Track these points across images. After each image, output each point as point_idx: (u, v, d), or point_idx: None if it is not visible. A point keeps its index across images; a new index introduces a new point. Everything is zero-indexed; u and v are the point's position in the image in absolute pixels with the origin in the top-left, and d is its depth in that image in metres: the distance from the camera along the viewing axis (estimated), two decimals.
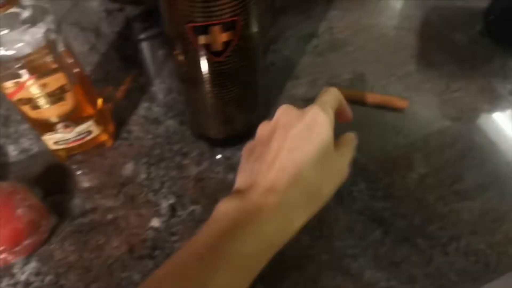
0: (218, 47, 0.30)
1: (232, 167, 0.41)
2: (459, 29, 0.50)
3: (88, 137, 0.40)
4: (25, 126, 0.44)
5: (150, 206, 0.39)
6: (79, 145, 0.40)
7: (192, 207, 0.39)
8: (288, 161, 0.28)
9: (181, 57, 0.33)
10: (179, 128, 0.44)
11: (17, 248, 0.34)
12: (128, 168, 0.41)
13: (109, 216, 0.39)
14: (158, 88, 0.47)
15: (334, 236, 0.37)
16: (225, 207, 0.28)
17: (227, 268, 0.25)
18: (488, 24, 0.46)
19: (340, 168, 0.31)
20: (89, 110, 0.39)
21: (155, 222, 0.38)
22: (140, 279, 0.35)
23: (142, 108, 0.45)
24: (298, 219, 0.28)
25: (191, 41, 0.30)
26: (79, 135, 0.39)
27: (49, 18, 0.32)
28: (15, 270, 0.36)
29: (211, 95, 0.35)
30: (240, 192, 0.29)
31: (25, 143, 0.43)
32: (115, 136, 0.43)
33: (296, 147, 0.29)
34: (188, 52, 0.31)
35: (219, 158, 0.41)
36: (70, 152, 0.41)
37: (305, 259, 0.36)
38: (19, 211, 0.34)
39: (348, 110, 0.35)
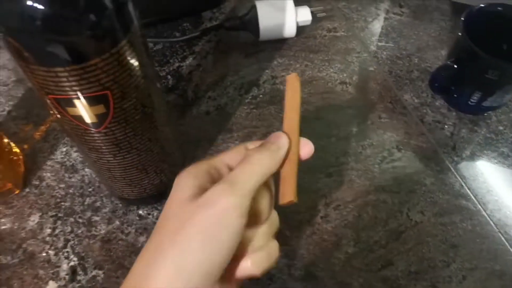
0: (93, 119, 0.27)
1: (144, 227, 0.38)
2: (409, 90, 0.47)
3: None
4: None
5: (49, 267, 0.35)
6: None
7: (94, 272, 0.35)
8: (169, 267, 0.21)
9: (61, 124, 0.29)
10: (95, 179, 0.40)
11: None
12: (33, 221, 0.38)
13: (3, 275, 0.35)
14: None
15: None
16: None
17: None
18: (434, 91, 0.44)
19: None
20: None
21: (52, 286, 0.35)
22: None
23: (60, 153, 0.42)
24: None
25: (61, 112, 0.26)
26: None
27: None
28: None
29: (106, 161, 0.31)
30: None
31: None
32: (25, 182, 0.40)
33: (180, 253, 0.21)
34: (62, 120, 0.28)
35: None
36: None
37: None
38: None
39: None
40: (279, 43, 0.50)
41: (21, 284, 0.35)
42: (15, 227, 0.38)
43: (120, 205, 0.39)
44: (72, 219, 0.38)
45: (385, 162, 0.42)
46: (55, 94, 0.24)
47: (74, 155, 0.42)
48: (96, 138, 0.28)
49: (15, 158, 0.40)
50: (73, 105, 0.25)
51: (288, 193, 0.24)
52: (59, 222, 0.38)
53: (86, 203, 0.39)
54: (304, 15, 0.47)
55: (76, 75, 0.23)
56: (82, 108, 0.25)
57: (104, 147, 0.29)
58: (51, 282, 0.35)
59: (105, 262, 0.36)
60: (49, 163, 0.41)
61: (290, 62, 0.49)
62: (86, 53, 0.22)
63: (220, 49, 0.50)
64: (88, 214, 0.38)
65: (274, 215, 0.26)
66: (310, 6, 0.49)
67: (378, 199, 0.39)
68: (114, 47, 0.23)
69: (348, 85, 0.47)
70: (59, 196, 0.39)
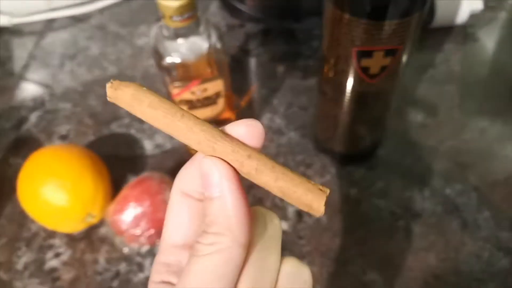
0: (376, 70, 0.32)
1: (354, 182, 0.42)
2: None
3: None
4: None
5: (278, 209, 0.41)
6: None
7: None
8: None
9: (334, 77, 0.35)
10: (301, 140, 0.46)
11: None
12: None
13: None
14: (279, 101, 0.50)
15: (460, 260, 0.37)
16: None
17: None
18: None
19: None
20: (228, 114, 0.42)
21: (283, 225, 0.40)
22: None
23: (265, 118, 0.48)
24: None
25: (352, 63, 0.32)
26: None
27: (215, 30, 0.36)
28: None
29: (353, 113, 0.37)
30: None
31: (159, 139, 0.47)
32: None
33: None
34: (344, 72, 0.34)
35: None
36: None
37: (432, 278, 0.36)
38: (168, 198, 0.37)
39: None
40: (446, 30, 0.55)
41: None
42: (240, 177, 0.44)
43: (328, 162, 0.44)
44: None
45: None
46: (362, 46, 0.30)
47: (278, 121, 0.48)
48: (364, 89, 0.34)
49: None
50: (370, 56, 0.31)
51: (309, 200, 0.16)
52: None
53: (297, 159, 0.45)
54: (477, 3, 0.51)
55: (393, 29, 0.28)
56: (376, 60, 0.31)
57: (362, 99, 0.35)
58: (282, 222, 0.40)
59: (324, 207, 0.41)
60: None
61: (461, 46, 0.53)
62: (408, 10, 0.28)
63: None
64: (302, 168, 0.44)
65: (290, 275, 0.18)
66: None
67: None
68: (421, 10, 0.29)
69: None
70: (272, 153, 0.45)
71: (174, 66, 0.34)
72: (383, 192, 0.42)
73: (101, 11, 0.62)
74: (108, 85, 0.16)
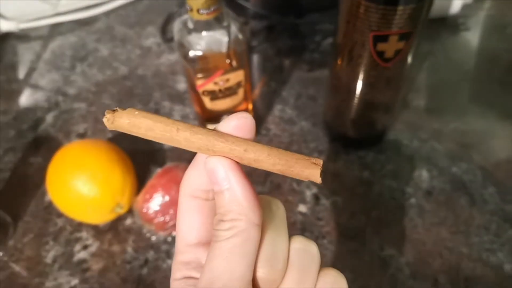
0: (390, 54, 0.35)
1: (366, 166, 0.45)
2: None
3: None
4: (174, 119, 0.50)
5: (296, 194, 0.43)
6: None
7: (333, 198, 0.43)
8: None
9: (348, 63, 0.37)
10: (312, 129, 0.48)
11: None
12: None
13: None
14: (289, 93, 0.52)
15: (471, 232, 0.40)
16: None
17: None
18: None
19: None
20: (246, 105, 0.44)
21: (302, 208, 0.42)
22: None
23: (276, 110, 0.50)
24: None
25: (368, 48, 0.34)
26: None
27: (236, 23, 0.38)
28: None
29: (367, 97, 0.39)
30: None
31: None
32: (256, 132, 0.48)
33: None
34: (360, 57, 0.36)
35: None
36: None
37: (446, 250, 0.39)
38: None
39: None
40: (441, 21, 0.58)
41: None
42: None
43: (340, 148, 0.46)
44: None
45: None
46: (379, 31, 0.32)
47: (289, 111, 0.50)
48: (378, 73, 0.36)
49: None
50: (386, 40, 0.33)
51: (307, 172, 0.18)
52: None
53: (310, 147, 0.47)
54: None
55: (408, 13, 0.31)
56: (391, 44, 0.33)
57: (377, 83, 0.37)
58: (300, 205, 0.42)
59: (340, 190, 0.43)
60: (270, 117, 0.50)
61: (455, 36, 0.56)
62: None
63: None
64: (315, 155, 0.46)
65: (299, 252, 0.19)
66: None
67: None
68: None
69: None
70: (286, 142, 0.47)
71: (198, 58, 0.36)
72: (394, 173, 0.44)
73: (107, 14, 0.63)
74: (104, 120, 0.18)
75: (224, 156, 0.18)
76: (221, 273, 0.17)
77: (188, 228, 0.20)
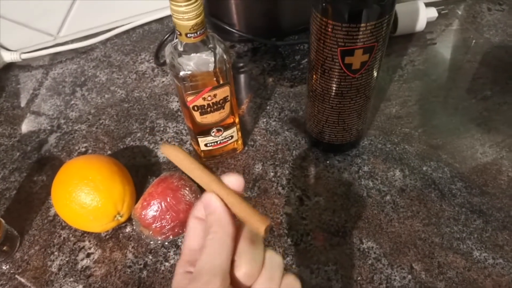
0: (357, 66, 0.40)
1: (345, 168, 0.49)
2: None
3: (230, 141, 0.49)
4: (168, 135, 0.54)
5: (281, 197, 0.47)
6: (219, 148, 0.50)
7: (316, 198, 0.47)
8: None
9: (321, 76, 0.42)
10: (295, 138, 0.53)
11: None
12: (258, 168, 0.50)
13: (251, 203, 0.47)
14: (272, 107, 0.57)
15: (442, 224, 0.44)
16: None
17: None
18: None
19: None
20: (233, 119, 0.48)
21: (287, 209, 0.46)
22: (282, 253, 0.42)
23: (262, 122, 0.55)
24: None
25: (338, 62, 0.39)
26: (224, 138, 0.48)
27: (221, 44, 0.43)
28: (179, 243, 0.44)
29: (340, 106, 0.44)
30: None
31: None
32: (243, 144, 0.52)
33: None
34: (331, 70, 0.41)
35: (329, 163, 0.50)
36: (210, 154, 0.50)
37: (420, 241, 0.43)
38: (187, 193, 0.43)
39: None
40: (408, 36, 0.63)
41: (264, 209, 0.46)
42: (246, 173, 0.50)
43: (320, 154, 0.51)
44: (287, 165, 0.50)
45: None
46: (345, 46, 0.37)
47: (273, 123, 0.55)
48: (348, 83, 0.41)
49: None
50: (352, 54, 0.38)
51: (257, 225, 0.25)
52: (278, 168, 0.50)
53: (293, 154, 0.51)
54: (432, 12, 0.60)
55: (370, 29, 0.36)
56: (356, 57, 0.38)
57: (347, 92, 0.42)
58: (286, 207, 0.46)
59: (322, 191, 0.47)
60: (256, 130, 0.54)
61: (422, 50, 0.62)
62: (380, 13, 0.35)
63: None
64: (298, 161, 0.50)
65: (270, 260, 0.27)
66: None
67: None
68: (390, 11, 0.36)
69: (474, 62, 0.59)
70: (272, 151, 0.52)
71: (188, 77, 0.40)
72: (370, 174, 0.48)
73: (104, 42, 0.68)
74: (161, 148, 0.31)
75: (215, 193, 0.27)
76: (205, 263, 0.25)
77: (192, 238, 0.29)
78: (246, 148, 0.52)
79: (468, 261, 0.41)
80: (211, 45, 0.41)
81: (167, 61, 0.41)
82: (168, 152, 0.29)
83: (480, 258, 0.41)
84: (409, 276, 0.40)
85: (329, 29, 0.37)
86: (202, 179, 0.28)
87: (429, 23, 0.63)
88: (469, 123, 0.52)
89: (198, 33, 0.37)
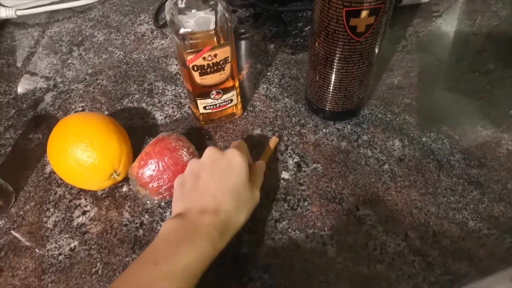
0: (362, 29, 0.39)
1: (344, 136, 0.49)
2: None
3: (229, 105, 0.48)
4: (167, 98, 0.53)
5: (279, 163, 0.47)
6: (218, 112, 0.49)
7: (314, 165, 0.46)
8: (217, 190, 0.37)
9: (325, 39, 0.41)
10: (295, 105, 0.52)
11: None
12: (257, 134, 0.50)
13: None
14: (273, 74, 0.56)
15: (438, 194, 0.44)
16: (170, 226, 0.36)
17: (173, 276, 0.32)
18: None
19: (252, 196, 0.39)
20: (233, 82, 0.47)
21: (285, 175, 0.46)
22: (279, 217, 0.42)
23: (262, 89, 0.54)
24: (226, 236, 0.36)
25: (342, 23, 0.38)
26: (223, 102, 0.48)
27: (223, 3, 0.41)
28: None
29: (343, 71, 0.43)
30: (180, 215, 0.36)
31: (169, 110, 0.52)
32: (243, 109, 0.52)
33: (221, 180, 0.38)
34: (335, 32, 0.40)
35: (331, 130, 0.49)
36: (209, 118, 0.50)
37: (416, 209, 0.43)
38: (185, 154, 0.43)
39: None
40: (414, 7, 0.62)
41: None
42: (244, 138, 0.49)
43: (320, 121, 0.50)
44: (286, 132, 0.50)
45: None
46: (350, 7, 0.36)
47: (274, 90, 0.54)
48: (351, 47, 0.40)
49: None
50: (357, 16, 0.37)
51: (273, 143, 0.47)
52: (277, 133, 0.49)
53: (293, 121, 0.51)
54: None
55: None
56: (362, 19, 0.37)
57: (351, 57, 0.41)
58: (284, 172, 0.46)
59: (320, 158, 0.47)
60: (256, 95, 0.53)
61: (427, 21, 0.60)
62: None
63: None
64: (297, 128, 0.50)
65: (257, 165, 0.43)
66: None
67: None
68: None
69: (479, 36, 0.58)
70: (271, 117, 0.51)
71: (188, 34, 0.39)
72: (369, 143, 0.48)
73: (102, 2, 0.66)
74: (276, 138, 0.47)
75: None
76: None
77: None
78: (245, 113, 0.52)
79: (463, 231, 0.41)
80: (212, 2, 0.40)
81: (167, 17, 0.40)
82: (273, 141, 0.47)
83: (475, 228, 0.41)
84: (404, 243, 0.41)
85: None
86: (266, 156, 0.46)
87: None
88: (471, 96, 0.52)
89: None
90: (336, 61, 0.42)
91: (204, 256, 0.34)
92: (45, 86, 0.56)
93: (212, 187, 0.38)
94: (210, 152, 0.40)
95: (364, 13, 0.37)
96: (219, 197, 0.37)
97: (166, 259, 0.33)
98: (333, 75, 0.44)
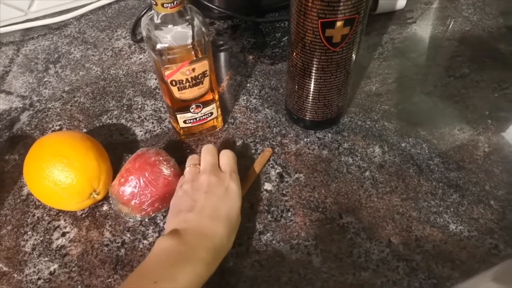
0: (338, 39, 0.39)
1: (325, 145, 0.49)
2: (502, 40, 0.59)
3: (210, 118, 0.48)
4: (146, 113, 0.53)
5: (262, 174, 0.47)
6: (198, 126, 0.49)
7: (296, 175, 0.46)
8: (213, 214, 0.38)
9: (302, 50, 0.42)
10: (275, 115, 0.52)
11: (166, 199, 0.42)
12: (238, 146, 0.49)
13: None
14: (253, 85, 0.56)
15: (419, 198, 0.44)
16: (166, 245, 0.36)
17: None
18: None
19: (239, 221, 0.41)
20: (213, 95, 0.47)
21: (268, 186, 0.46)
22: (263, 229, 0.42)
23: (242, 100, 0.54)
24: (218, 260, 0.37)
25: (318, 34, 0.39)
26: (204, 115, 0.47)
27: (199, 16, 0.41)
28: (158, 221, 0.43)
29: (321, 81, 0.43)
30: (176, 233, 0.37)
31: (149, 125, 0.52)
32: (223, 121, 0.52)
33: (218, 206, 0.39)
34: (311, 44, 0.40)
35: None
36: (189, 132, 0.49)
37: (398, 215, 0.43)
38: (165, 168, 0.42)
39: None
40: (389, 15, 0.63)
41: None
42: None
43: (301, 131, 0.50)
44: (267, 142, 0.49)
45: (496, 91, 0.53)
46: (325, 18, 0.37)
47: (254, 101, 0.54)
48: (328, 57, 0.40)
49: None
50: (333, 27, 0.37)
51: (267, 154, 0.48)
52: (258, 145, 0.49)
53: (274, 131, 0.51)
54: None
55: (349, 1, 0.35)
56: (337, 29, 0.37)
57: (328, 67, 0.41)
58: (266, 184, 0.46)
59: (302, 168, 0.47)
60: (236, 107, 0.53)
61: (402, 28, 0.62)
62: None
63: None
64: (279, 138, 0.50)
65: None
66: None
67: (497, 116, 0.51)
68: None
69: (452, 41, 0.59)
70: (252, 128, 0.51)
71: (165, 50, 0.39)
72: (350, 151, 0.48)
73: (78, 18, 0.66)
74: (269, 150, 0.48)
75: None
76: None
77: None
78: (226, 125, 0.52)
79: (444, 234, 0.42)
80: (188, 17, 0.40)
81: (143, 33, 0.40)
82: (266, 152, 0.48)
83: (456, 231, 0.42)
84: (387, 250, 0.41)
85: (310, 0, 0.36)
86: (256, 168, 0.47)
87: (409, 2, 0.63)
88: (447, 100, 0.53)
89: (175, 3, 0.36)
90: (313, 71, 0.42)
91: (199, 279, 0.35)
92: (21, 105, 0.55)
93: (208, 211, 0.39)
94: (207, 175, 0.41)
95: (339, 24, 0.37)
96: (215, 222, 0.38)
97: (164, 281, 0.33)
98: (312, 85, 0.44)
